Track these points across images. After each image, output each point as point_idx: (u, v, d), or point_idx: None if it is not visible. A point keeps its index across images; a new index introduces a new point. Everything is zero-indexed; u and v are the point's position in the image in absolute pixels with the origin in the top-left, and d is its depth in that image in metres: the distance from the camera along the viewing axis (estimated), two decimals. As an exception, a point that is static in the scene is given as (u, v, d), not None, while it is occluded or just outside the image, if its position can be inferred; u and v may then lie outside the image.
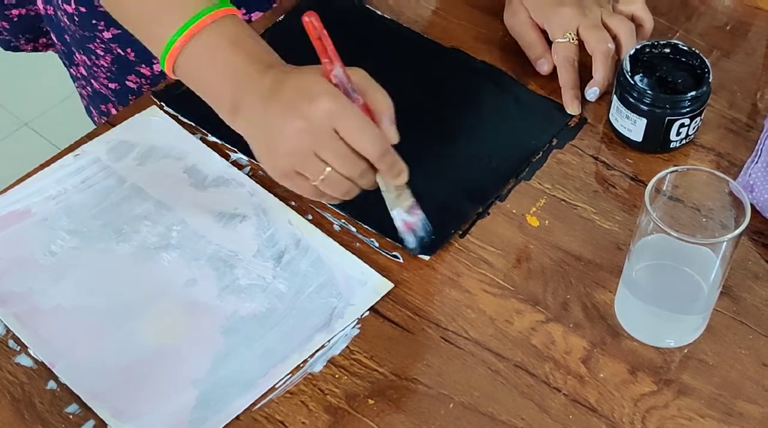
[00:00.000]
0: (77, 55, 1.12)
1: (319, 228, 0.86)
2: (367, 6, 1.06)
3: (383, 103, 0.78)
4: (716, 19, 1.06)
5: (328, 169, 0.76)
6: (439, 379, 0.77)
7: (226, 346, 0.79)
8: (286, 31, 1.04)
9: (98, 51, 1.08)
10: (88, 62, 1.11)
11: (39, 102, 2.18)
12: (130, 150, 0.93)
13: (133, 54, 1.06)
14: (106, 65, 1.09)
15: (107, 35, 1.05)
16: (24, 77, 2.17)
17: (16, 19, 1.22)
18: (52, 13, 1.11)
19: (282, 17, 1.05)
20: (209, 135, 0.93)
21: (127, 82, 1.10)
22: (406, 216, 0.82)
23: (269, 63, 0.80)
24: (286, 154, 0.76)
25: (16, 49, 1.27)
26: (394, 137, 0.78)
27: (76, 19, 1.06)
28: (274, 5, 1.08)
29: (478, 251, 0.85)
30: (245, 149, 0.92)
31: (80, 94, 1.24)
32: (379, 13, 1.05)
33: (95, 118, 1.23)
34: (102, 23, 1.05)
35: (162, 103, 0.96)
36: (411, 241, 0.83)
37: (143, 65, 1.07)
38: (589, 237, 0.86)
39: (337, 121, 0.75)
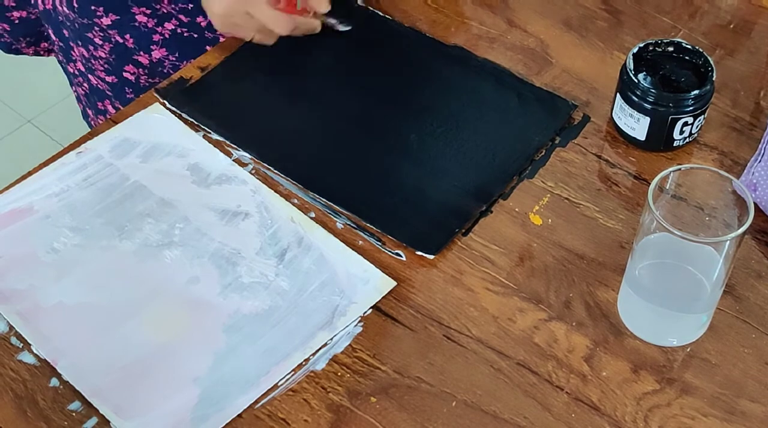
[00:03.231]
0: (75, 49, 1.12)
1: (321, 226, 0.86)
2: (368, 7, 1.05)
3: None
4: (720, 18, 1.06)
5: (254, 34, 0.98)
6: (441, 377, 0.77)
7: (229, 344, 0.79)
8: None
9: (96, 40, 1.08)
10: (86, 54, 1.11)
11: (42, 99, 2.18)
12: (132, 147, 0.93)
13: (131, 41, 1.07)
14: (104, 56, 1.09)
15: (106, 21, 1.06)
16: (26, 75, 2.17)
17: (17, 22, 1.22)
18: (51, 7, 1.12)
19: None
20: (212, 133, 0.94)
21: (124, 74, 1.10)
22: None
23: None
24: (218, 23, 0.99)
25: (17, 52, 1.28)
26: (322, 6, 0.98)
27: (75, 5, 1.06)
28: None
29: (481, 249, 0.85)
30: (248, 147, 0.92)
31: (77, 97, 1.24)
32: (380, 13, 1.05)
33: (92, 122, 1.23)
34: (101, 9, 1.05)
35: (165, 101, 0.96)
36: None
37: (141, 53, 1.08)
38: (592, 235, 0.86)
39: (248, 7, 0.95)
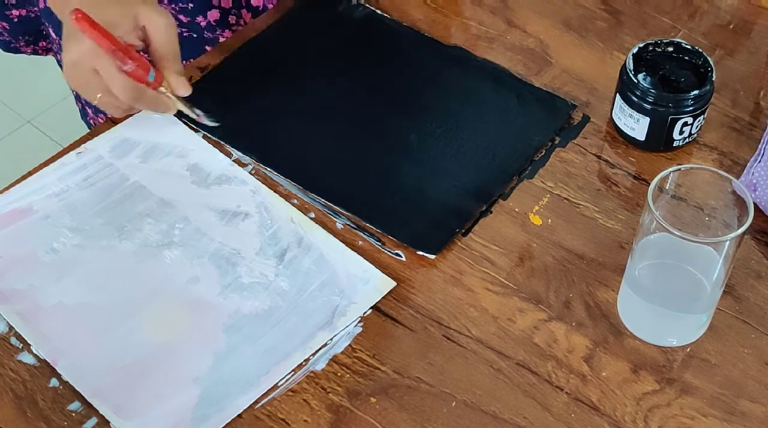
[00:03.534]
0: None
1: (321, 226, 0.86)
2: (367, 6, 1.05)
3: (167, 59, 0.89)
4: (720, 18, 1.06)
5: (99, 95, 0.88)
6: (441, 377, 0.77)
7: (228, 344, 0.79)
8: (285, 30, 1.04)
9: None
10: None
11: (41, 100, 2.18)
12: (132, 148, 0.93)
13: None
14: None
15: None
16: (26, 75, 2.17)
17: (16, 20, 1.22)
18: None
19: (279, 17, 1.05)
20: (211, 134, 0.94)
21: None
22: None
23: None
24: (67, 77, 0.89)
25: (16, 50, 1.27)
26: (182, 88, 0.90)
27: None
28: (270, 6, 1.09)
29: (481, 249, 0.85)
30: (246, 149, 0.92)
31: (76, 96, 1.24)
32: (379, 12, 1.05)
33: (91, 120, 1.23)
34: None
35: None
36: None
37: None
38: (591, 235, 0.86)
39: (94, 64, 0.86)
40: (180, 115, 0.92)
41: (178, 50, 0.90)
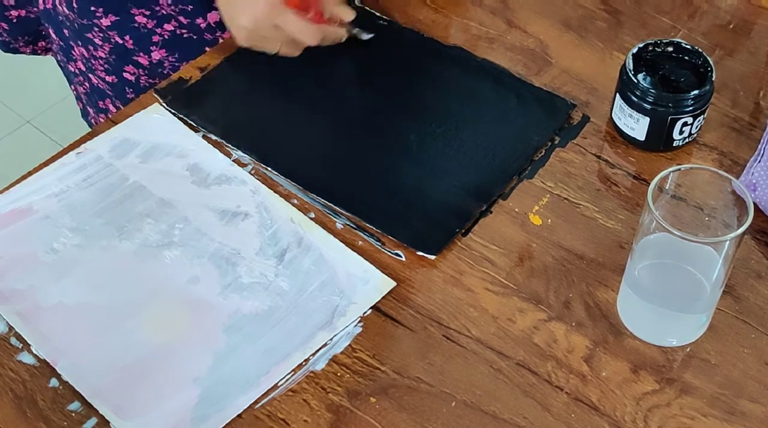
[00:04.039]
0: (76, 48, 1.12)
1: (321, 227, 0.86)
2: (366, 7, 1.06)
3: None
4: (719, 18, 1.06)
5: (279, 46, 0.97)
6: (441, 377, 0.77)
7: (228, 344, 0.79)
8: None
9: (96, 41, 1.08)
10: (86, 54, 1.11)
11: (41, 100, 2.19)
12: (132, 148, 0.93)
13: (131, 42, 1.07)
14: (104, 56, 1.09)
15: (105, 22, 1.06)
16: (26, 75, 2.17)
17: (15, 21, 1.22)
18: (51, 6, 1.12)
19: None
20: (211, 134, 0.94)
21: (124, 74, 1.10)
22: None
23: None
24: (242, 38, 0.97)
25: (15, 50, 1.28)
26: (347, 16, 0.99)
27: (75, 6, 1.06)
28: None
29: (481, 249, 0.85)
30: (246, 149, 0.92)
31: (77, 96, 1.24)
32: (377, 14, 1.05)
33: (92, 120, 1.23)
34: (100, 10, 1.05)
35: (164, 101, 0.96)
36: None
37: (141, 53, 1.08)
38: (591, 235, 0.86)
39: (276, 19, 0.94)
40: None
41: None
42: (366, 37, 1.01)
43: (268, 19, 0.94)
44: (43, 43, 1.27)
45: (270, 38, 0.96)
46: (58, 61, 1.23)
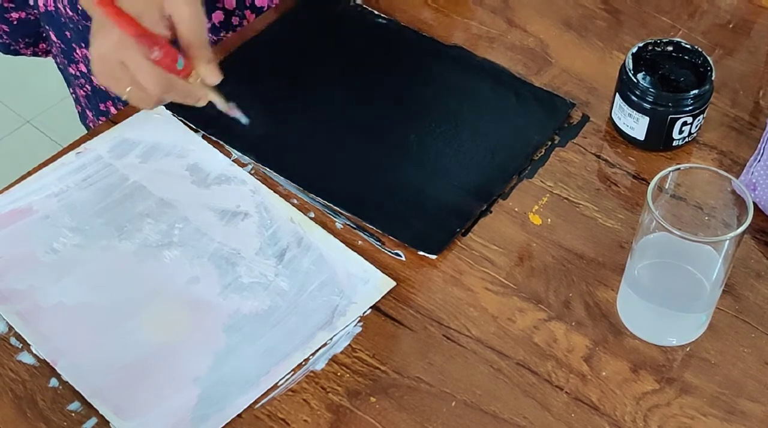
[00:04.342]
0: (78, 50, 1.12)
1: (321, 226, 0.86)
2: (365, 6, 1.05)
3: (195, 47, 0.84)
4: (719, 17, 1.06)
5: (129, 88, 0.84)
6: (441, 377, 0.77)
7: (228, 344, 0.79)
8: (284, 31, 1.04)
9: None
10: (89, 56, 1.11)
11: (41, 99, 2.18)
12: (132, 148, 0.93)
13: None
14: None
15: None
16: (26, 75, 2.17)
17: (15, 23, 1.22)
18: (53, 8, 1.12)
19: (278, 17, 1.05)
20: (211, 135, 0.93)
21: None
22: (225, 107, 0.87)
23: None
24: (94, 71, 0.87)
25: (15, 52, 1.28)
26: (212, 77, 0.85)
27: (79, 7, 1.06)
28: (272, 6, 1.08)
29: (481, 249, 0.85)
30: (245, 149, 0.92)
31: (75, 99, 1.23)
32: (377, 13, 1.05)
33: (90, 124, 1.23)
34: None
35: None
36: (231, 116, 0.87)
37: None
38: (591, 235, 0.86)
39: (121, 56, 0.82)
40: (211, 106, 0.88)
41: (206, 38, 0.87)
42: (242, 118, 0.87)
43: (115, 53, 0.83)
44: (44, 45, 1.27)
45: (118, 77, 0.84)
46: (57, 64, 1.23)
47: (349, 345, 0.79)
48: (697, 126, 0.91)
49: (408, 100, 0.98)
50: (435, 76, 1.00)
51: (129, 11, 0.81)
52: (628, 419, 0.75)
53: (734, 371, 0.78)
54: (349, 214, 0.87)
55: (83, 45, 1.11)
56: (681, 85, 0.91)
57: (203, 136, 0.94)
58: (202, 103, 0.87)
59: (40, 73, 2.04)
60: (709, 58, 0.91)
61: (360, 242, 0.86)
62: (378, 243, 0.85)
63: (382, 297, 0.82)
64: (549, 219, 0.88)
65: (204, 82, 0.85)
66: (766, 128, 0.92)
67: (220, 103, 0.87)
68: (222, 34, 1.07)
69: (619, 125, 0.93)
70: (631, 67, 0.90)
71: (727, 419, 0.75)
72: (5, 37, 1.24)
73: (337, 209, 0.88)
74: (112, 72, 0.84)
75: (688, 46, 0.92)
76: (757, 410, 0.76)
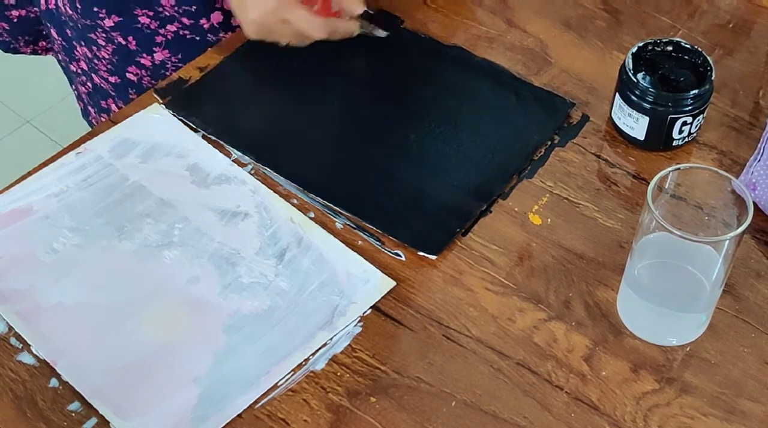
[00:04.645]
0: (78, 48, 1.13)
1: (321, 226, 0.86)
2: (365, 8, 1.05)
3: None
4: (719, 17, 1.06)
5: (287, 40, 0.97)
6: (441, 377, 0.77)
7: (228, 344, 0.79)
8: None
9: (99, 41, 1.08)
10: (89, 54, 1.11)
11: (41, 99, 2.18)
12: (132, 148, 0.93)
13: (134, 43, 1.07)
14: (107, 56, 1.09)
15: (108, 23, 1.06)
16: (26, 75, 2.17)
17: (15, 21, 1.22)
18: (54, 6, 1.12)
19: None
20: (211, 135, 0.94)
21: (127, 74, 1.10)
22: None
23: None
24: (251, 31, 0.97)
25: (15, 51, 1.28)
26: (356, 5, 0.97)
27: (78, 6, 1.06)
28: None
29: (481, 249, 0.85)
30: (245, 149, 0.92)
31: (78, 96, 1.24)
32: (372, 12, 1.05)
33: (93, 120, 1.23)
34: (103, 11, 1.05)
35: (163, 102, 0.96)
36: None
37: (144, 55, 1.08)
38: (591, 235, 0.86)
39: (284, 14, 0.94)
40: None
41: None
42: (380, 34, 1.00)
43: (277, 14, 0.94)
44: (44, 43, 1.27)
45: (279, 32, 0.96)
46: (59, 61, 1.23)
47: (349, 345, 0.79)
48: (697, 126, 0.91)
49: (408, 100, 0.98)
50: (435, 76, 1.00)
51: None
52: (628, 419, 0.75)
53: (734, 371, 0.78)
54: (349, 214, 0.87)
55: (83, 43, 1.11)
56: (681, 85, 0.91)
57: (203, 136, 0.94)
58: (355, 34, 0.99)
59: (40, 73, 2.04)
60: (709, 58, 0.91)
61: (360, 242, 0.86)
62: (378, 243, 0.85)
63: (382, 297, 0.82)
64: (549, 219, 0.88)
65: (352, 12, 0.97)
66: (766, 128, 0.92)
67: (373, 29, 1.00)
68: (221, 35, 1.07)
69: (619, 125, 0.93)
70: (630, 66, 0.90)
71: (727, 419, 0.75)
72: (5, 35, 1.24)
73: (337, 209, 0.88)
74: (274, 28, 0.96)
75: (688, 46, 0.92)
76: (757, 410, 0.76)
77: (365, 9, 0.98)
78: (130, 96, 1.12)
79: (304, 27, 0.95)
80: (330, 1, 0.96)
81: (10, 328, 0.80)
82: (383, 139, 0.94)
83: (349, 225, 0.87)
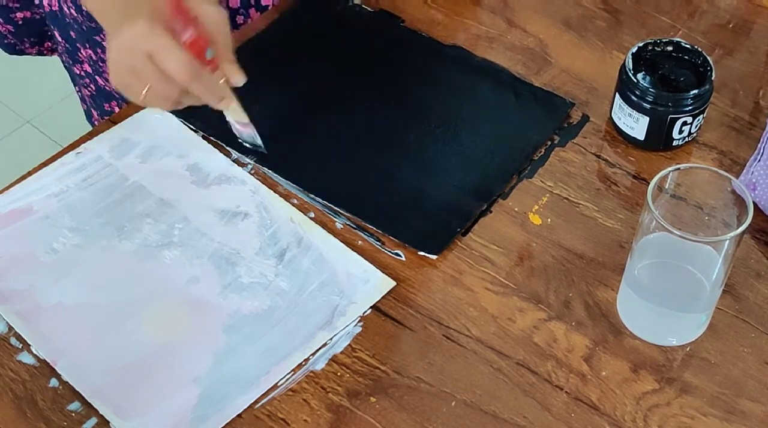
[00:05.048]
0: (83, 50, 1.13)
1: (321, 226, 0.86)
2: (365, 7, 1.05)
3: (221, 48, 0.83)
4: (719, 17, 1.06)
5: (147, 87, 0.81)
6: (441, 377, 0.77)
7: (228, 344, 0.79)
8: (283, 31, 1.04)
9: (104, 43, 1.08)
10: (94, 57, 1.11)
11: (41, 99, 2.18)
12: (132, 148, 0.93)
13: None
14: None
15: None
16: (26, 75, 2.17)
17: (20, 23, 1.22)
18: (57, 9, 1.12)
19: (277, 18, 1.05)
20: (211, 136, 0.94)
21: None
22: (237, 124, 0.88)
23: None
24: (112, 70, 0.83)
25: (21, 52, 1.28)
26: (236, 78, 0.84)
27: (84, 9, 1.06)
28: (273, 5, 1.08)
29: (481, 249, 0.85)
30: (244, 150, 0.92)
31: (81, 97, 1.24)
32: (370, 10, 1.05)
33: (95, 123, 1.23)
34: None
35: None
36: (243, 137, 0.89)
37: None
38: (591, 235, 0.86)
39: (149, 46, 0.79)
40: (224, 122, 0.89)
41: (231, 41, 0.85)
42: (259, 144, 0.89)
43: (143, 44, 0.80)
44: (49, 44, 1.27)
45: (139, 73, 0.81)
46: (63, 62, 1.23)
47: (349, 345, 0.79)
48: (697, 126, 0.91)
49: (408, 100, 0.98)
50: (435, 76, 1.00)
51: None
52: (628, 419, 0.75)
53: (734, 371, 0.78)
54: (349, 214, 0.87)
55: (88, 45, 1.11)
56: (681, 85, 0.91)
57: (203, 136, 0.94)
58: (222, 106, 0.85)
59: (40, 73, 2.05)
60: (709, 58, 0.91)
61: (360, 242, 0.86)
62: (378, 243, 0.85)
63: (382, 297, 0.82)
64: (549, 219, 0.88)
65: (228, 81, 0.84)
66: (766, 128, 0.92)
67: (238, 114, 0.86)
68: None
69: (619, 125, 0.93)
70: (631, 66, 0.90)
71: (727, 419, 0.75)
72: (10, 37, 1.24)
73: (337, 209, 0.88)
74: (133, 67, 0.81)
75: (688, 46, 0.92)
76: (757, 410, 0.76)
77: (247, 120, 0.87)
78: None
79: (166, 61, 0.79)
80: (205, 41, 0.81)
81: (10, 328, 0.80)
82: (383, 139, 0.94)
83: (349, 225, 0.87)
